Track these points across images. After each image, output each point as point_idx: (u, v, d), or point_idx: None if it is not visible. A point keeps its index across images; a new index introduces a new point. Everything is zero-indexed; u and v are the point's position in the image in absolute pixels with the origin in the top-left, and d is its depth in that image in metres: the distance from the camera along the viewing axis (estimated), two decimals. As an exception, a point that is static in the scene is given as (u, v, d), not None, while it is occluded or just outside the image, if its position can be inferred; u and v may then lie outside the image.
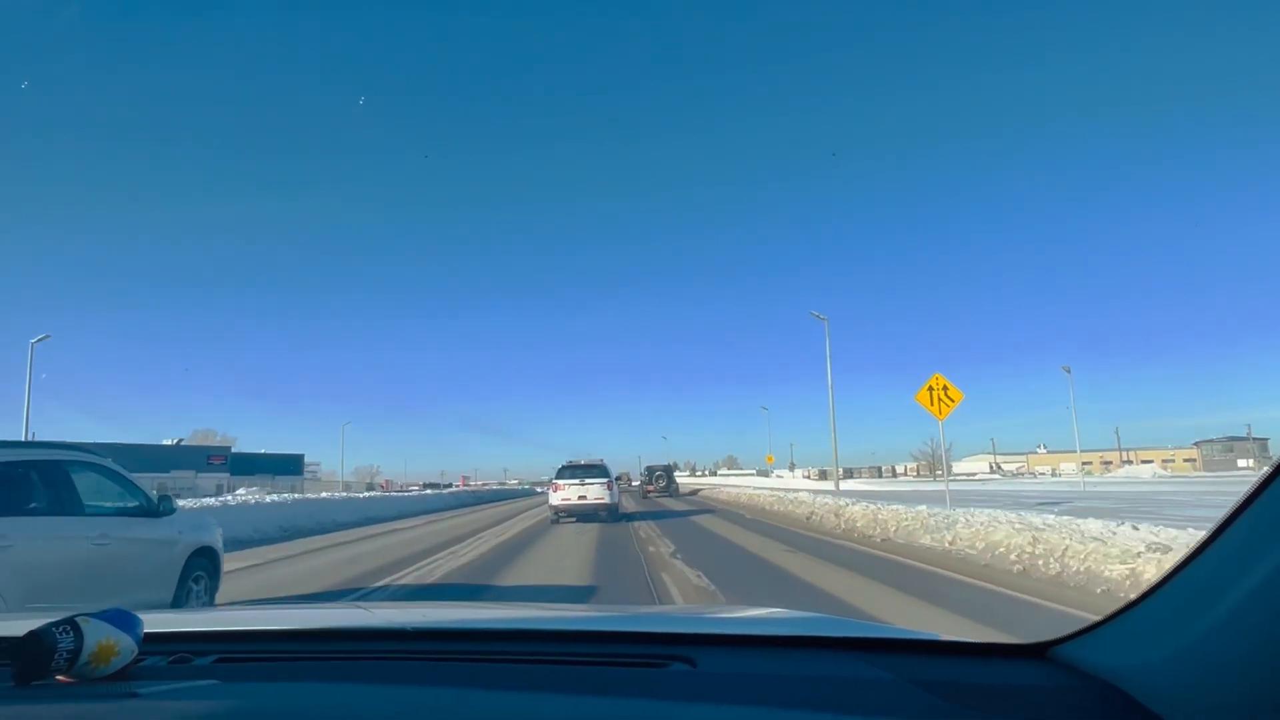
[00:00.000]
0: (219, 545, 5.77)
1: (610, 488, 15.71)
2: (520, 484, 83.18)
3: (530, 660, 1.11)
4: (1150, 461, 70.83)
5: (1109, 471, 70.80)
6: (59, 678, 0.88)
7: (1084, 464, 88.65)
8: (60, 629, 0.88)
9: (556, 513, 15.58)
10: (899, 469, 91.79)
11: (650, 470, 35.29)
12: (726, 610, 2.50)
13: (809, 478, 65.21)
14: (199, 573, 5.41)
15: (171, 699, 0.85)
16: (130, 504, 4.95)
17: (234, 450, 67.69)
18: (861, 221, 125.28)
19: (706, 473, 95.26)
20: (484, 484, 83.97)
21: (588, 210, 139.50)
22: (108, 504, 4.78)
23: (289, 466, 66.95)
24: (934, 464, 71.18)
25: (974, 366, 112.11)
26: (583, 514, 15.53)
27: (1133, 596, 0.86)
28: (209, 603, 5.48)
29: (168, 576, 5.05)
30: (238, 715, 0.83)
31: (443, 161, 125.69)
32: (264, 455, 67.28)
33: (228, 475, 55.55)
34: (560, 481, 15.76)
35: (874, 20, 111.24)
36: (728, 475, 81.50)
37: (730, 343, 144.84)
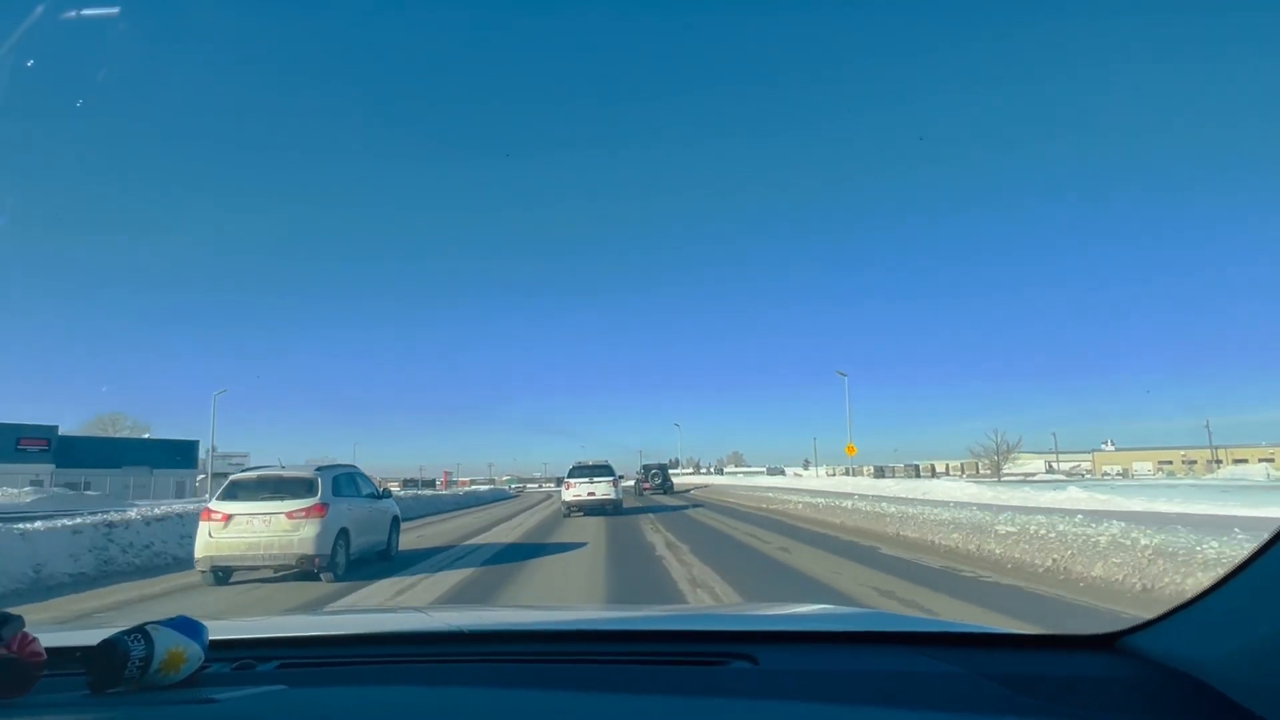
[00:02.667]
0: (400, 516, 12.77)
1: (615, 485, 22.52)
2: (504, 482, 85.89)
3: (591, 660, 1.31)
4: (1244, 460, 68.93)
5: (1194, 472, 67.11)
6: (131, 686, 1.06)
7: (1162, 463, 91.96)
8: (132, 637, 1.06)
9: (569, 507, 22.26)
10: (938, 467, 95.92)
11: (646, 469, 43.16)
12: (776, 607, 2.83)
13: (831, 475, 70.82)
14: (395, 529, 12.27)
15: (242, 705, 1.02)
16: (372, 491, 11.77)
17: (149, 437, 62.58)
18: (873, 222, 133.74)
19: (711, 469, 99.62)
20: (469, 482, 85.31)
21: (587, 212, 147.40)
22: (364, 492, 11.47)
23: (174, 457, 57.08)
24: (992, 462, 66.45)
25: (1027, 350, 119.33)
26: (591, 508, 22.19)
27: (1205, 586, 0.98)
28: (397, 544, 12.30)
29: (385, 530, 11.85)
30: None
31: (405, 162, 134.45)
32: (138, 440, 61.69)
33: (51, 467, 48.97)
34: (571, 480, 22.63)
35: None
36: (735, 473, 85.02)
37: (735, 341, 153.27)
